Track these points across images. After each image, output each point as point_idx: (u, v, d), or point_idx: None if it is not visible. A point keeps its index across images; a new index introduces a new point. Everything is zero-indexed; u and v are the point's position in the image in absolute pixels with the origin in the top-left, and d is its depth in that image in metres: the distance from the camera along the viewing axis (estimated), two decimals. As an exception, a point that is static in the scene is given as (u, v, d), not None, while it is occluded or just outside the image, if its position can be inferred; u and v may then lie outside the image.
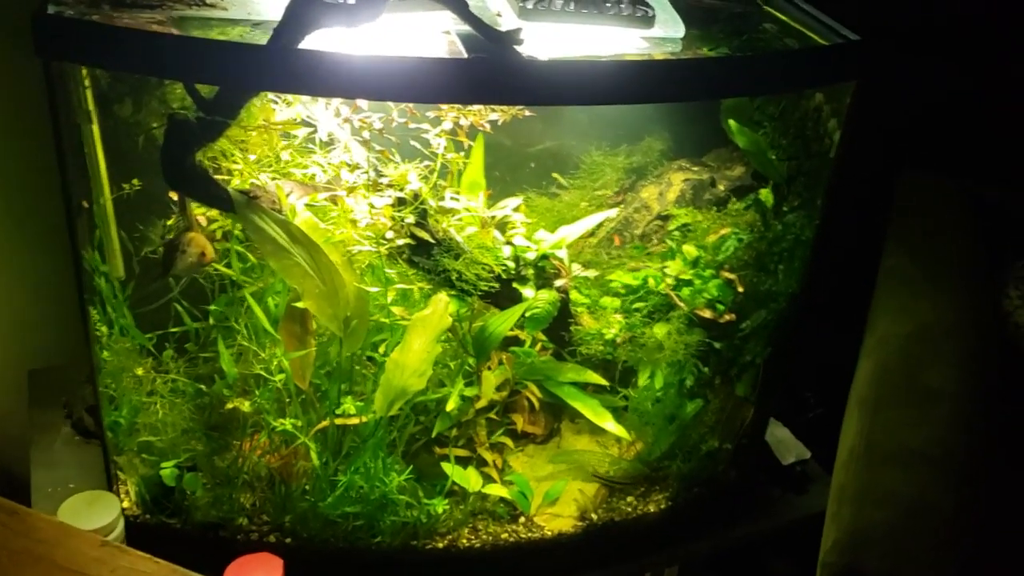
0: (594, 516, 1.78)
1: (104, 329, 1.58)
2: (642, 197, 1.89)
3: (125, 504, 1.67)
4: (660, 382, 1.75)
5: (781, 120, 1.70)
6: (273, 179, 1.51)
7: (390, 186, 1.55)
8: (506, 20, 1.48)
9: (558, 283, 1.73)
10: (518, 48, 1.33)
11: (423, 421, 1.70)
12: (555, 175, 1.86)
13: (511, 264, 1.69)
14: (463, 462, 1.72)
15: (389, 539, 1.66)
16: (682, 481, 1.84)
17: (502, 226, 1.75)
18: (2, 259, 2.01)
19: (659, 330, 1.71)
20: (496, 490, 1.72)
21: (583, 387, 1.78)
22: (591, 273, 1.78)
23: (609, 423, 1.75)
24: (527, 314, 1.68)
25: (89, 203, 1.51)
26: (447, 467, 1.68)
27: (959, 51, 2.27)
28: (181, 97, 1.40)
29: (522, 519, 1.75)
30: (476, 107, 1.57)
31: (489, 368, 1.74)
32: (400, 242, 1.57)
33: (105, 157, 1.49)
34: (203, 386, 1.63)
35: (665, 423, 1.78)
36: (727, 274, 1.74)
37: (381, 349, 1.64)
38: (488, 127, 1.59)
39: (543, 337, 1.79)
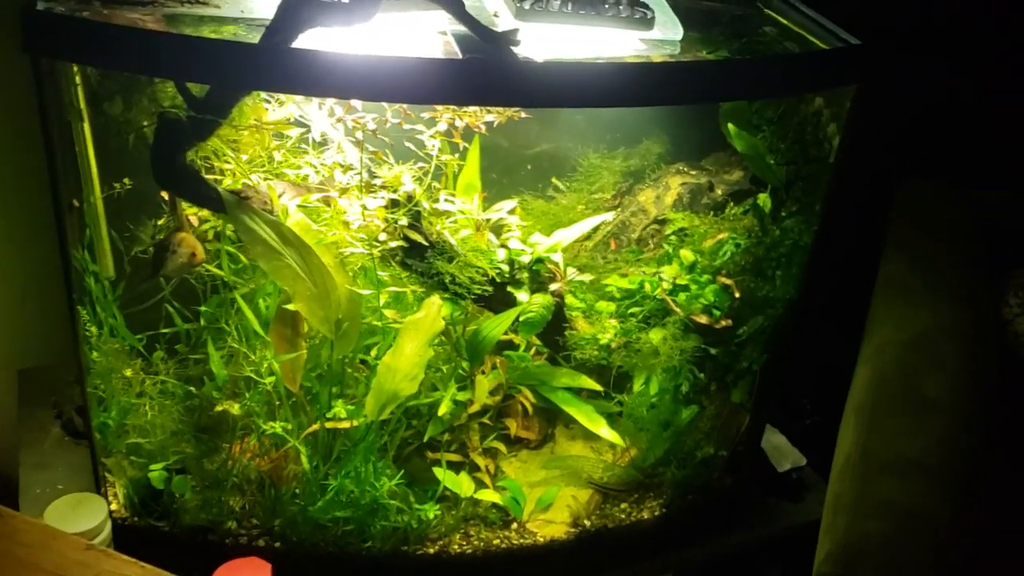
0: (587, 522, 1.76)
1: (94, 329, 1.56)
2: (639, 201, 1.87)
3: (113, 506, 1.65)
4: (655, 388, 1.74)
5: (780, 124, 1.69)
6: (265, 179, 1.49)
7: (383, 187, 1.53)
8: (503, 21, 1.47)
9: (553, 287, 1.71)
10: (514, 49, 1.31)
11: (415, 425, 1.68)
12: (553, 180, 1.85)
13: (505, 267, 1.67)
14: (455, 467, 1.71)
15: (379, 544, 1.64)
16: (677, 488, 1.82)
17: (497, 229, 1.74)
18: (-8, 257, 2.00)
19: (655, 335, 1.70)
20: (488, 495, 1.70)
21: (577, 392, 1.76)
22: (586, 277, 1.76)
23: (603, 429, 1.73)
24: (521, 318, 1.66)
25: (80, 202, 1.49)
26: (439, 472, 1.66)
27: (961, 56, 2.25)
28: (172, 96, 1.38)
29: (514, 525, 1.73)
30: (472, 108, 1.55)
31: (483, 372, 1.72)
32: (393, 244, 1.55)
33: (96, 156, 1.47)
34: (192, 388, 1.61)
35: (660, 429, 1.76)
36: (724, 279, 1.72)
37: (373, 352, 1.62)
38: (484, 129, 1.58)
39: (537, 341, 1.77)
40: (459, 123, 1.55)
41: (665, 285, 1.72)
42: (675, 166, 1.89)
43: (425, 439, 1.66)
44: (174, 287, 1.59)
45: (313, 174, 1.52)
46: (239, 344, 1.58)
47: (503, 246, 1.70)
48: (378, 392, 1.55)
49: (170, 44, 1.24)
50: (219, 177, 1.49)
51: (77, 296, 1.51)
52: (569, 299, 1.74)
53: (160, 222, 1.53)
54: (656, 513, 1.81)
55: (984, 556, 1.56)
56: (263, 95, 1.44)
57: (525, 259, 1.70)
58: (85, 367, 1.56)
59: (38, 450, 1.87)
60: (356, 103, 1.48)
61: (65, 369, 1.96)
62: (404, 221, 1.56)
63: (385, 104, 1.48)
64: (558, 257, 1.73)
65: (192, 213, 1.55)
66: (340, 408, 1.58)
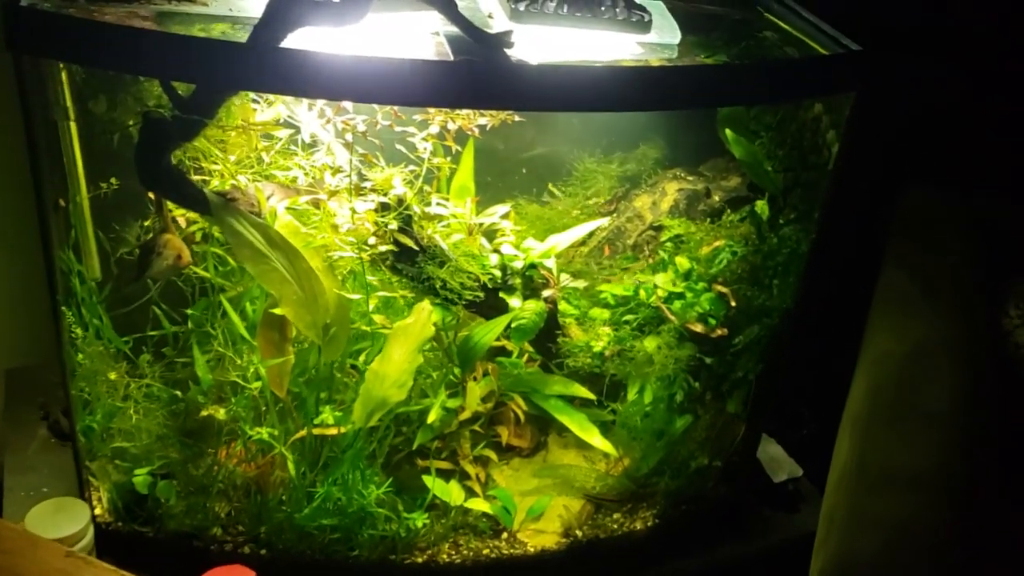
0: (579, 532, 1.74)
1: (79, 331, 1.54)
2: (635, 206, 1.85)
3: (97, 511, 1.63)
4: (649, 397, 1.72)
5: (778, 130, 1.66)
6: (253, 181, 1.47)
7: (373, 190, 1.51)
8: (497, 22, 1.44)
9: (546, 293, 1.69)
10: (508, 51, 1.29)
11: (405, 432, 1.66)
12: (549, 186, 1.83)
13: (498, 273, 1.65)
14: (446, 475, 1.69)
15: (367, 553, 1.62)
16: (670, 498, 1.80)
17: (490, 233, 1.71)
18: (-21, 256, 1.97)
19: (649, 343, 1.68)
20: (478, 504, 1.68)
21: (570, 400, 1.74)
22: (580, 283, 1.74)
23: (596, 438, 1.71)
24: (513, 325, 1.64)
25: (65, 202, 1.47)
26: (428, 480, 1.64)
27: (963, 60, 2.23)
28: (158, 95, 1.36)
29: (505, 535, 1.71)
30: (464, 111, 1.53)
31: (474, 379, 1.70)
32: (383, 248, 1.53)
33: (82, 155, 1.45)
34: (178, 392, 1.59)
35: (654, 439, 1.74)
36: (720, 287, 1.70)
37: (361, 358, 1.60)
38: (477, 132, 1.55)
39: (530, 348, 1.75)
40: (452, 126, 1.53)
41: (660, 292, 1.70)
42: (672, 171, 1.88)
43: (414, 446, 1.64)
44: (161, 289, 1.57)
45: (302, 176, 1.49)
46: (225, 348, 1.55)
47: (496, 251, 1.68)
48: (366, 399, 1.53)
49: (155, 42, 1.21)
50: (207, 178, 1.47)
51: (62, 297, 1.49)
52: (563, 306, 1.72)
53: (146, 223, 1.50)
54: (649, 524, 1.79)
55: (981, 572, 1.53)
56: (251, 95, 1.42)
57: (518, 264, 1.68)
58: (70, 369, 1.54)
59: (23, 452, 1.84)
60: (347, 104, 1.46)
61: (53, 369, 1.93)
62: (394, 225, 1.54)
63: (376, 106, 1.46)
64: (551, 263, 1.71)
65: (180, 214, 1.53)
66: (328, 414, 1.56)
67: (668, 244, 1.76)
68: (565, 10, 1.45)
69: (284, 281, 1.43)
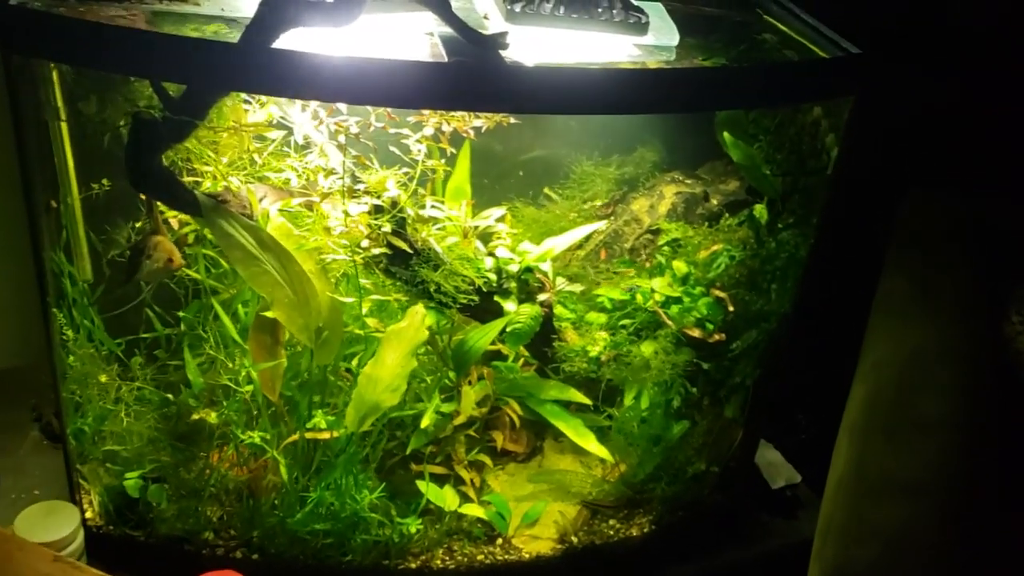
0: (575, 539, 1.72)
1: (70, 333, 1.52)
2: (633, 209, 1.84)
3: (88, 514, 1.62)
4: (646, 402, 1.70)
5: (777, 134, 1.65)
6: (245, 183, 1.45)
7: (367, 193, 1.49)
8: (493, 23, 1.43)
9: (541, 297, 1.67)
10: (503, 52, 1.27)
11: (399, 436, 1.65)
12: (546, 190, 1.81)
13: (493, 276, 1.64)
14: (440, 480, 1.67)
15: (360, 558, 1.60)
16: (667, 504, 1.78)
17: (486, 236, 1.70)
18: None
19: (646, 348, 1.66)
20: (473, 510, 1.67)
21: (566, 405, 1.72)
22: (576, 287, 1.72)
23: (592, 443, 1.69)
24: (508, 329, 1.62)
25: (56, 202, 1.46)
26: (422, 485, 1.62)
27: (963, 64, 2.21)
28: (148, 96, 1.34)
29: (500, 540, 1.70)
30: (459, 113, 1.51)
31: (469, 383, 1.68)
32: (376, 251, 1.52)
33: (73, 155, 1.44)
34: (169, 395, 1.58)
35: (650, 444, 1.73)
36: (718, 292, 1.69)
37: (354, 362, 1.58)
38: (472, 134, 1.54)
39: (526, 352, 1.73)
40: (446, 128, 1.51)
41: (657, 297, 1.68)
42: (670, 175, 1.86)
43: (408, 451, 1.63)
44: (153, 291, 1.56)
45: (295, 178, 1.48)
46: (217, 351, 1.54)
47: (491, 254, 1.67)
48: (359, 403, 1.52)
49: (145, 42, 1.20)
50: (199, 179, 1.45)
51: (53, 299, 1.48)
52: (559, 310, 1.71)
53: (138, 225, 1.49)
54: (646, 530, 1.78)
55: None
56: (243, 96, 1.40)
57: (513, 268, 1.67)
58: (60, 372, 1.53)
59: (15, 454, 1.84)
60: (340, 105, 1.45)
61: (45, 370, 1.92)
62: (388, 227, 1.52)
63: (369, 107, 1.45)
64: (547, 266, 1.70)
65: (172, 216, 1.51)
66: (320, 418, 1.54)
67: (666, 248, 1.75)
68: (561, 11, 1.43)
69: (276, 284, 1.42)
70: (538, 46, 1.38)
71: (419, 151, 1.51)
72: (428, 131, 1.51)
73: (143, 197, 1.47)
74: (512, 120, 1.56)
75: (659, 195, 1.83)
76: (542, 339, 1.68)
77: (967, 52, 2.15)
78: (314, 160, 1.48)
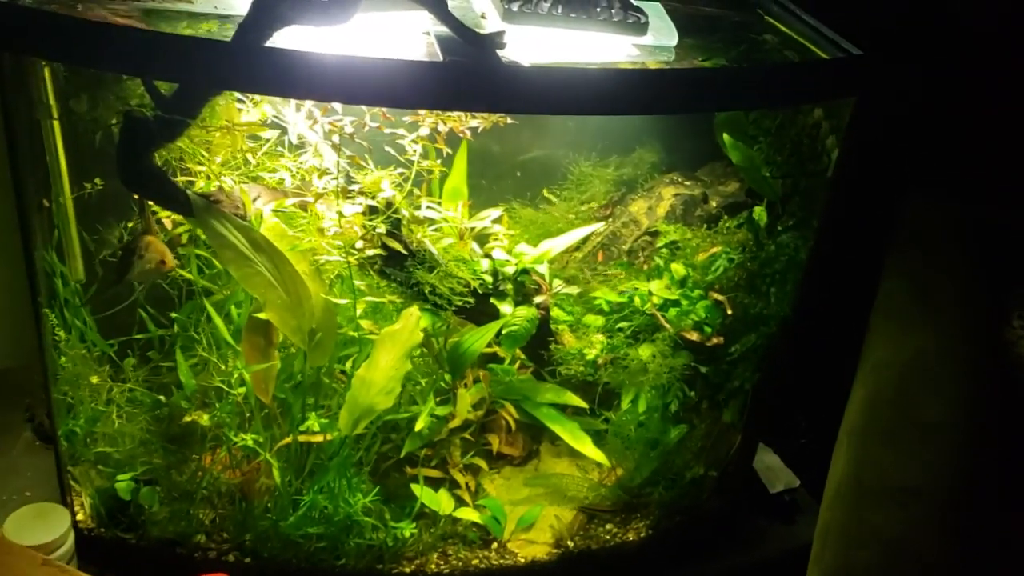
0: (571, 543, 1.71)
1: (62, 334, 1.51)
2: (631, 211, 1.82)
3: (79, 517, 1.61)
4: (643, 406, 1.69)
5: (777, 136, 1.63)
6: (238, 183, 1.44)
7: (361, 193, 1.48)
8: (490, 23, 1.41)
9: (538, 299, 1.66)
10: (499, 52, 1.26)
11: (394, 439, 1.63)
12: (545, 192, 1.80)
13: (488, 278, 1.62)
14: (435, 484, 1.66)
15: (353, 562, 1.59)
16: (664, 509, 1.77)
17: (482, 238, 1.68)
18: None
19: (643, 351, 1.65)
20: (468, 514, 1.66)
21: (562, 409, 1.71)
22: (573, 290, 1.71)
23: (588, 447, 1.68)
24: (504, 331, 1.61)
25: (48, 201, 1.45)
26: (416, 488, 1.61)
27: (965, 66, 2.20)
28: (140, 94, 1.33)
29: (495, 545, 1.69)
30: (455, 113, 1.50)
31: (465, 386, 1.67)
32: (371, 252, 1.50)
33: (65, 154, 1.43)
34: (161, 397, 1.56)
35: (647, 448, 1.72)
36: (716, 295, 1.67)
37: (348, 364, 1.57)
38: (468, 134, 1.52)
39: (522, 355, 1.72)
40: (442, 128, 1.50)
41: (655, 300, 1.67)
42: (669, 176, 1.85)
43: (402, 454, 1.61)
44: (146, 292, 1.54)
45: (289, 178, 1.46)
46: (209, 353, 1.53)
47: (487, 256, 1.65)
48: (352, 406, 1.50)
49: (137, 40, 1.18)
50: (192, 179, 1.44)
51: (44, 299, 1.47)
52: (555, 312, 1.69)
53: (130, 224, 1.48)
54: (643, 535, 1.76)
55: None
56: (236, 95, 1.39)
57: (510, 270, 1.65)
58: (52, 372, 1.52)
59: (7, 455, 1.82)
60: (335, 105, 1.43)
61: (39, 371, 1.91)
62: (382, 228, 1.51)
63: (364, 107, 1.43)
64: (543, 268, 1.68)
65: (166, 216, 1.50)
66: (313, 421, 1.53)
67: (664, 250, 1.73)
68: (559, 11, 1.42)
69: (268, 285, 1.41)
70: (536, 46, 1.36)
71: (415, 151, 1.50)
72: (424, 131, 1.49)
73: (135, 196, 1.45)
74: (509, 120, 1.55)
75: (658, 197, 1.82)
76: (538, 342, 1.66)
77: (967, 52, 2.13)
78: (308, 160, 1.46)
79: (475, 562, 1.65)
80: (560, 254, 1.74)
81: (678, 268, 1.69)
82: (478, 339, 1.60)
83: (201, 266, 1.54)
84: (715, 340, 1.66)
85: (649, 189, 1.84)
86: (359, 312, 1.54)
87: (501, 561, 1.67)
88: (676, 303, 1.67)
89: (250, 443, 1.52)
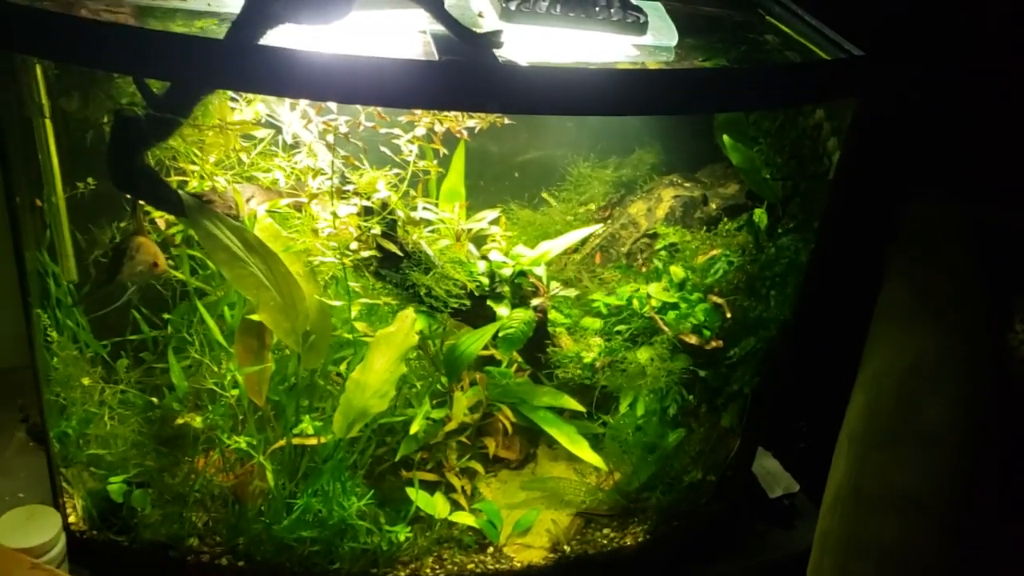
0: (567, 548, 1.70)
1: (54, 335, 1.50)
2: (630, 213, 1.81)
3: (72, 519, 1.60)
4: (641, 409, 1.67)
5: (778, 137, 1.62)
6: (231, 183, 1.42)
7: (356, 194, 1.46)
8: (488, 21, 1.40)
9: (535, 302, 1.64)
10: (496, 51, 1.24)
11: (389, 442, 1.62)
12: (544, 194, 1.78)
13: (485, 280, 1.61)
14: (430, 487, 1.64)
15: (347, 566, 1.58)
16: (662, 514, 1.76)
17: (480, 239, 1.67)
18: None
19: (642, 355, 1.63)
20: (464, 518, 1.65)
21: (560, 412, 1.70)
22: (571, 292, 1.69)
23: (586, 451, 1.67)
24: (500, 334, 1.59)
25: (41, 201, 1.43)
26: (411, 492, 1.59)
27: (967, 67, 2.18)
28: (132, 92, 1.31)
29: (491, 549, 1.67)
30: (452, 113, 1.48)
31: (461, 389, 1.65)
32: (366, 254, 1.48)
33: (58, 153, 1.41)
34: (153, 399, 1.55)
35: (645, 453, 1.70)
36: (716, 298, 1.66)
37: (342, 367, 1.55)
38: (465, 134, 1.51)
39: (520, 358, 1.70)
40: (439, 128, 1.48)
41: (654, 302, 1.65)
42: (668, 177, 1.83)
43: (397, 458, 1.60)
44: (139, 293, 1.53)
45: (283, 178, 1.45)
46: (203, 355, 1.51)
47: (484, 258, 1.64)
48: (346, 409, 1.49)
49: (128, 38, 1.17)
50: (185, 179, 1.42)
51: (36, 300, 1.45)
52: (553, 315, 1.68)
53: (122, 224, 1.46)
54: (640, 539, 1.75)
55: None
56: (229, 94, 1.37)
57: (506, 272, 1.64)
58: (44, 374, 1.50)
59: (1, 455, 1.81)
60: (330, 104, 1.41)
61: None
62: (378, 229, 1.49)
63: (359, 106, 1.42)
64: (540, 271, 1.67)
65: (159, 216, 1.48)
66: (307, 424, 1.51)
67: (663, 252, 1.72)
68: (558, 10, 1.40)
69: (261, 286, 1.39)
70: (534, 45, 1.35)
71: (410, 152, 1.48)
72: (420, 131, 1.47)
73: (127, 196, 1.44)
74: (507, 121, 1.54)
75: (657, 198, 1.80)
76: (536, 344, 1.65)
77: (967, 52, 2.12)
78: (303, 160, 1.45)
79: (471, 567, 1.64)
80: (558, 256, 1.72)
81: (677, 270, 1.68)
82: (474, 342, 1.59)
83: (194, 267, 1.53)
84: (714, 343, 1.65)
85: (648, 191, 1.83)
86: (354, 314, 1.53)
87: (497, 566, 1.65)
88: (675, 306, 1.66)
89: (243, 446, 1.50)
